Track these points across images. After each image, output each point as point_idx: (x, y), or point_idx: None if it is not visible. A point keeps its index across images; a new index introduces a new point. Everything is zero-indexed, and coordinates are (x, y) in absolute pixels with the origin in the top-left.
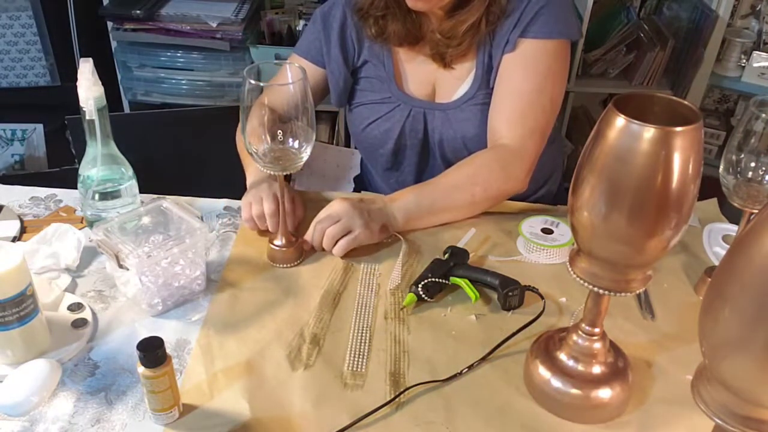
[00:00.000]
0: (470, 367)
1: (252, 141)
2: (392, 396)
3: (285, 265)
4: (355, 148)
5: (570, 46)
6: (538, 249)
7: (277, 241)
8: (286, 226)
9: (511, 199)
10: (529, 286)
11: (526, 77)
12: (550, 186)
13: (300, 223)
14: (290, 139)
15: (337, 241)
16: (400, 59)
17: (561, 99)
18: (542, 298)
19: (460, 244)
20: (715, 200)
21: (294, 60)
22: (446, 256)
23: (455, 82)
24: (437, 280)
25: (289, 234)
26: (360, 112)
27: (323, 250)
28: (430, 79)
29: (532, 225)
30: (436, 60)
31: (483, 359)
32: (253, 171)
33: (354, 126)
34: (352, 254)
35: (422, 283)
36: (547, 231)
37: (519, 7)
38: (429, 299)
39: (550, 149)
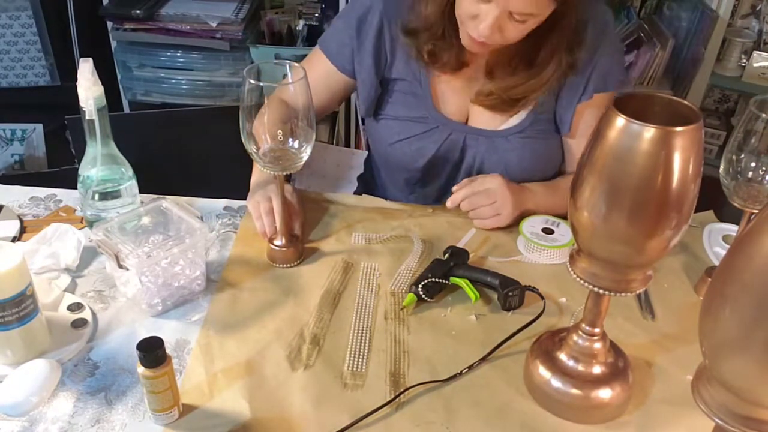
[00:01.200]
0: (470, 368)
1: (251, 140)
2: (392, 395)
3: (285, 265)
4: (363, 148)
5: None
6: (539, 249)
7: (277, 241)
8: (285, 226)
9: None
10: (529, 286)
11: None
12: None
13: (303, 223)
14: (290, 139)
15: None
16: (438, 80)
17: None
18: (542, 298)
19: (460, 245)
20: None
21: (318, 57)
22: (446, 256)
23: (503, 113)
24: (437, 280)
25: (290, 234)
26: (390, 127)
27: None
28: (467, 102)
29: (532, 225)
30: (494, 100)
31: (483, 359)
32: (258, 170)
33: (381, 138)
34: (352, 255)
35: (422, 283)
36: (547, 231)
37: (593, 58)
38: (429, 299)
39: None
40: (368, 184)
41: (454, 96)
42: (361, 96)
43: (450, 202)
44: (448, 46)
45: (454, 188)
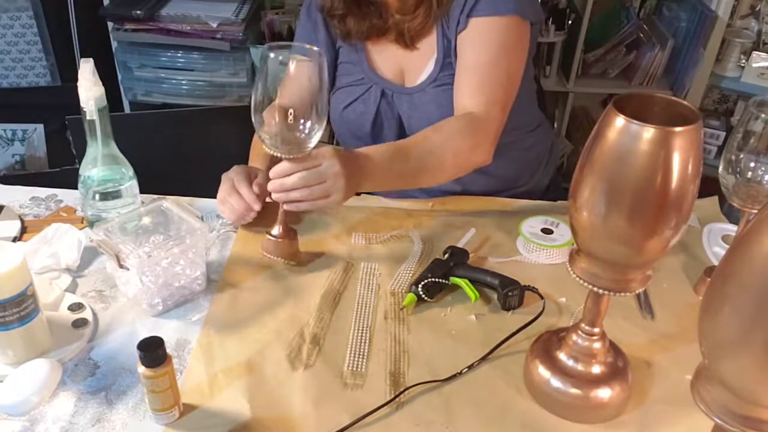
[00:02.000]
0: (470, 367)
1: (260, 122)
2: (392, 395)
3: (277, 258)
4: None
5: (526, 24)
6: (538, 249)
7: (274, 231)
8: (285, 215)
9: (508, 195)
10: (529, 286)
11: (479, 51)
12: (539, 178)
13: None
14: (301, 122)
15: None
16: (370, 46)
17: (519, 75)
18: (542, 298)
19: (459, 244)
20: (715, 198)
21: (294, 59)
22: (446, 256)
23: (419, 67)
24: (437, 280)
25: (288, 226)
26: (338, 97)
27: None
28: (399, 64)
29: (532, 225)
30: (400, 42)
31: (483, 359)
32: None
33: (333, 111)
34: (352, 255)
35: (422, 283)
36: (547, 231)
37: None
38: (429, 299)
39: (532, 136)
40: None
41: (386, 58)
42: None
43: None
44: (353, 14)
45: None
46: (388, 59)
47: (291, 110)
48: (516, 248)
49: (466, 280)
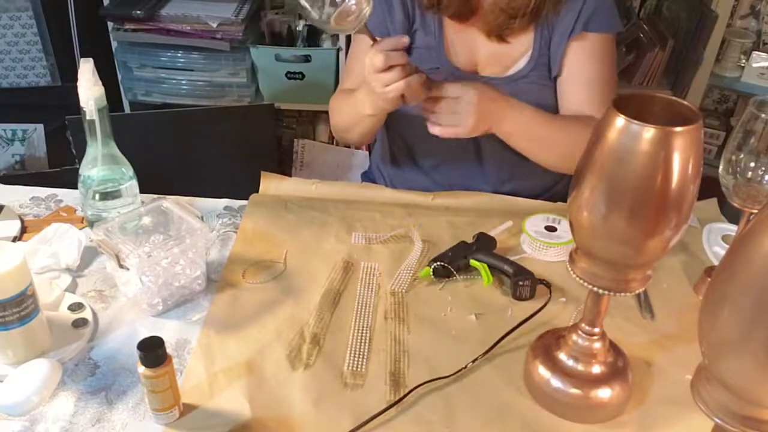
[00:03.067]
0: (474, 361)
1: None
2: (392, 395)
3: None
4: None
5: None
6: (544, 247)
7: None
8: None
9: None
10: (542, 279)
11: (597, 68)
12: (564, 183)
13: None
14: None
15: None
16: (450, 30)
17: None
18: (550, 291)
19: (492, 233)
20: (714, 200)
21: (362, 42)
22: (473, 239)
23: (507, 59)
24: (452, 262)
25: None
26: None
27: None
28: (478, 53)
29: (535, 223)
30: (491, 35)
31: (486, 352)
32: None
33: None
34: (352, 255)
35: (440, 262)
36: (550, 228)
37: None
38: (441, 276)
39: None
40: (374, 182)
41: (466, 46)
42: None
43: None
44: None
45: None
46: (467, 46)
47: None
48: (520, 247)
49: (485, 266)
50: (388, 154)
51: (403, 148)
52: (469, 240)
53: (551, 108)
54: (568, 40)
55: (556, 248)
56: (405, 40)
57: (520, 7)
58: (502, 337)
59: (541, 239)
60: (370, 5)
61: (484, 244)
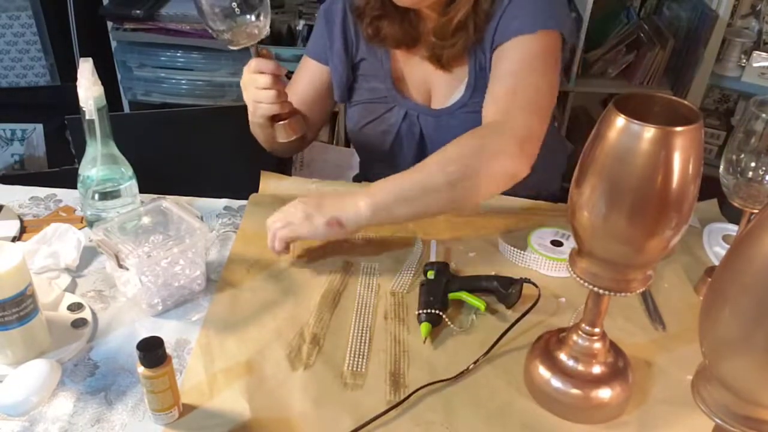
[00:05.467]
0: (476, 362)
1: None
2: (392, 395)
3: (290, 140)
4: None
5: (560, 38)
6: (548, 262)
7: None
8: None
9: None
10: (524, 278)
11: (514, 61)
12: (550, 189)
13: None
14: (247, 14)
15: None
16: (398, 59)
17: (557, 87)
18: (536, 286)
19: (432, 259)
20: (715, 201)
21: (305, 63)
22: (431, 274)
23: (449, 89)
24: (438, 305)
25: (291, 106)
26: (357, 111)
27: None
28: (427, 82)
29: (540, 237)
30: (433, 62)
31: (487, 353)
32: None
33: (351, 124)
34: (352, 255)
35: (430, 310)
36: (556, 243)
37: (499, 10)
38: (447, 319)
39: (547, 150)
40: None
41: (414, 75)
42: (335, 81)
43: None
44: (389, 17)
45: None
46: (416, 75)
47: (233, 3)
48: (498, 256)
49: (465, 292)
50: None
51: (370, 171)
52: (418, 278)
53: None
54: (491, 51)
55: (561, 263)
56: (280, 68)
57: (445, 36)
58: (500, 336)
59: (545, 254)
60: (266, 31)
61: (445, 273)
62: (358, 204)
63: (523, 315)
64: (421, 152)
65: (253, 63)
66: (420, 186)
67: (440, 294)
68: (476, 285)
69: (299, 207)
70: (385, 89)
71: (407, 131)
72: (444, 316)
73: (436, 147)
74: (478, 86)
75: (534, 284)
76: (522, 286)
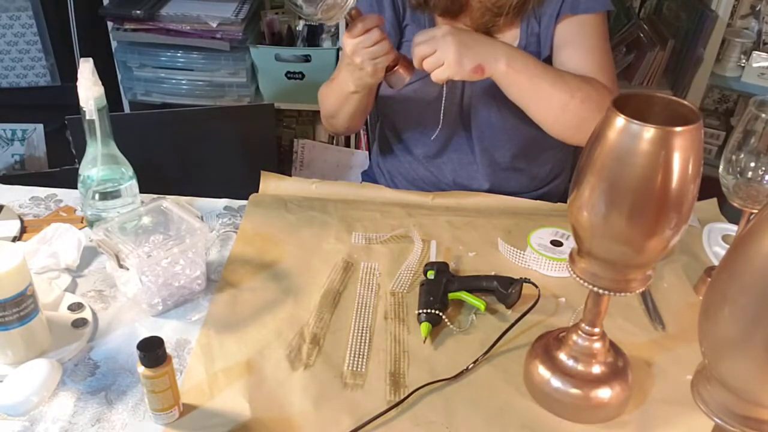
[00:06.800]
0: (475, 362)
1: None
2: (392, 395)
3: (410, 77)
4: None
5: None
6: (548, 261)
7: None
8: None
9: (517, 194)
10: (524, 278)
11: (591, 41)
12: (558, 183)
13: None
14: None
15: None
16: (440, 23)
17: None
18: (536, 286)
19: (432, 258)
20: (714, 200)
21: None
22: (431, 274)
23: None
24: (437, 305)
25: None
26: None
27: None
28: None
29: (540, 236)
30: (478, 31)
31: (486, 353)
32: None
33: (391, 90)
34: (352, 255)
35: (430, 310)
36: (556, 243)
37: None
38: (446, 320)
39: (558, 146)
40: (374, 181)
41: None
42: None
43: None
44: None
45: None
46: None
47: None
48: (522, 255)
49: (465, 292)
50: (386, 146)
51: (397, 140)
52: (420, 276)
53: None
54: (555, 23)
55: (561, 263)
56: (381, 17)
57: (505, 5)
58: (500, 336)
59: (545, 254)
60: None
61: (444, 273)
62: (499, 59)
63: (523, 315)
64: (462, 115)
65: (359, 25)
66: (553, 76)
67: (440, 294)
68: (476, 285)
69: (452, 43)
70: None
71: (449, 93)
72: (444, 316)
73: (479, 110)
74: (528, 51)
75: (534, 284)
76: (522, 286)
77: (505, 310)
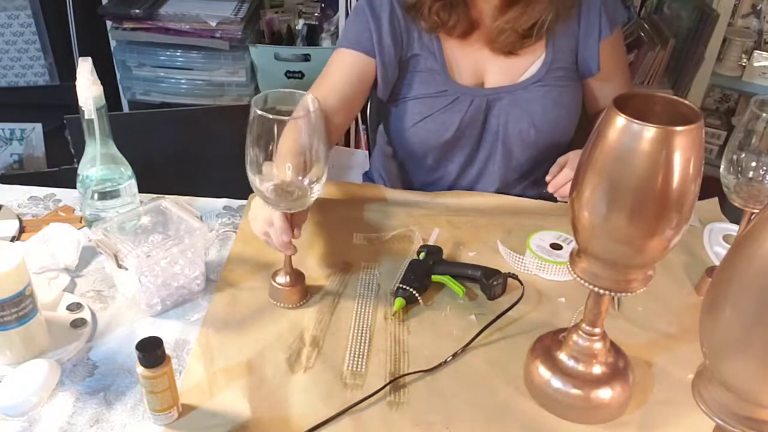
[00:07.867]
0: (454, 355)
1: (256, 173)
2: (392, 396)
3: (287, 306)
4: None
5: None
6: (546, 264)
7: (280, 278)
8: (290, 262)
9: (518, 194)
10: (510, 273)
11: (623, 59)
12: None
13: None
14: (299, 176)
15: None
16: (450, 48)
17: None
18: (521, 283)
19: (430, 242)
20: (715, 200)
21: (341, 54)
22: (422, 255)
23: (515, 68)
24: (416, 284)
25: (295, 271)
26: (411, 107)
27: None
28: (484, 67)
29: (541, 239)
30: (497, 50)
31: (465, 346)
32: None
33: (402, 121)
34: (352, 255)
35: (406, 286)
36: (555, 246)
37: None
38: (420, 300)
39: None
40: (374, 181)
41: (467, 62)
42: (381, 78)
43: (552, 187)
44: (451, 5)
45: (550, 173)
46: (470, 62)
47: (288, 165)
48: (522, 258)
49: (448, 277)
50: (386, 162)
51: (399, 166)
52: (413, 257)
53: (569, 108)
54: (599, 38)
55: (560, 267)
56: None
57: (531, 26)
58: (483, 329)
59: (543, 256)
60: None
61: (435, 255)
62: None
63: (507, 309)
64: (480, 138)
65: (279, 224)
66: None
67: (423, 275)
68: (461, 272)
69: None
70: (443, 82)
71: (471, 119)
72: (419, 297)
73: (510, 124)
74: (555, 65)
75: (519, 280)
76: (506, 280)
77: (502, 308)
